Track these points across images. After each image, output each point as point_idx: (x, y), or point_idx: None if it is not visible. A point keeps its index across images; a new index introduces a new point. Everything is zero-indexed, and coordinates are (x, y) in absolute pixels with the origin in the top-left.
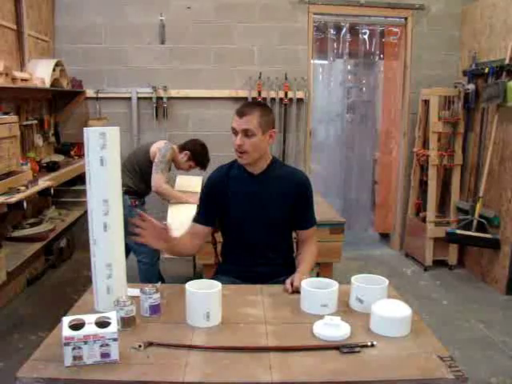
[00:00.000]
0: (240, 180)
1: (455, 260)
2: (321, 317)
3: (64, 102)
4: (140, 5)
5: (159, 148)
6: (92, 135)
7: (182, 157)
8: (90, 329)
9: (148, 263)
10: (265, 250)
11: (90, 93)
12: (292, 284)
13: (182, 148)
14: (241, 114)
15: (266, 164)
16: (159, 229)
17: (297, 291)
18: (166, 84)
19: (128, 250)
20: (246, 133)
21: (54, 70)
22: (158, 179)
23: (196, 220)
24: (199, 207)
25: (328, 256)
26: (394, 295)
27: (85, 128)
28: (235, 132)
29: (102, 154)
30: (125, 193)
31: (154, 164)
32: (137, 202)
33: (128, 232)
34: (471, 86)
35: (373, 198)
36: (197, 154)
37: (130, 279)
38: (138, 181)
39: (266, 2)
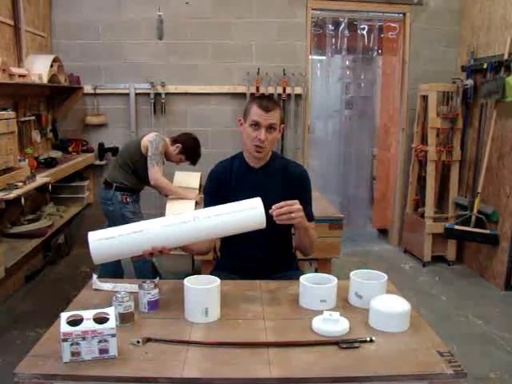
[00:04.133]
0: (241, 173)
1: (454, 256)
2: (320, 312)
3: (62, 98)
4: (137, 0)
5: (150, 141)
6: None
7: (174, 149)
8: (88, 324)
9: (142, 262)
10: (264, 245)
11: (87, 89)
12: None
13: (175, 140)
14: (267, 108)
15: (268, 158)
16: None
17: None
18: (164, 80)
19: None
20: (269, 127)
21: (51, 65)
22: (154, 172)
23: None
24: (204, 202)
25: (327, 252)
26: (392, 290)
27: None
28: (257, 126)
29: None
30: (116, 189)
31: (148, 158)
32: (128, 199)
33: None
34: (470, 82)
35: (371, 193)
36: (188, 147)
37: (132, 275)
38: (130, 176)
39: None
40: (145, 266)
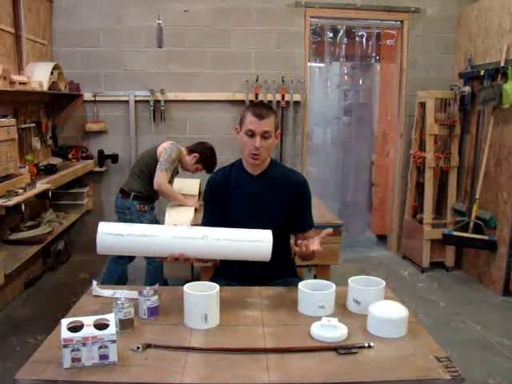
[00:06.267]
0: (240, 181)
1: (452, 262)
2: (318, 318)
3: (62, 105)
4: (137, 8)
5: (165, 148)
6: None
7: (191, 159)
8: (88, 331)
9: (158, 266)
10: None
11: (87, 96)
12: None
13: (191, 150)
14: (260, 116)
15: (266, 165)
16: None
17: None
18: (163, 87)
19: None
20: (264, 135)
21: (51, 73)
22: (161, 177)
23: (204, 223)
24: (205, 210)
25: (325, 258)
26: (390, 296)
27: None
28: (252, 134)
29: None
30: (133, 198)
31: (158, 162)
32: (145, 208)
33: None
34: (467, 89)
35: (370, 200)
36: (206, 157)
37: (131, 282)
38: (146, 184)
39: (263, 6)
40: (160, 271)
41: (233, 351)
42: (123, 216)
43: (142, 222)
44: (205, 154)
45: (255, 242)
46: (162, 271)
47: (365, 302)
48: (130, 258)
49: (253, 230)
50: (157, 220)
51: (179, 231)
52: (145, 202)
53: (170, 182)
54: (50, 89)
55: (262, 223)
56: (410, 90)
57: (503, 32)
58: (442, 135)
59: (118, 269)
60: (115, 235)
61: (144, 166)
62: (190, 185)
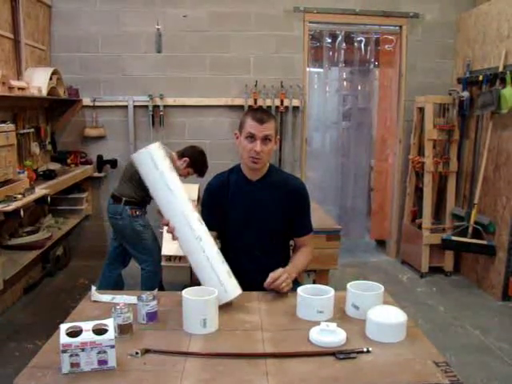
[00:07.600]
0: (239, 186)
1: (451, 266)
2: (317, 323)
3: (61, 110)
4: (136, 14)
5: None
6: None
7: (182, 163)
8: (87, 336)
9: (151, 271)
10: (262, 257)
11: (86, 101)
12: (275, 280)
13: (181, 154)
14: (261, 120)
15: (265, 170)
16: None
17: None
18: (162, 92)
19: (128, 258)
20: (265, 139)
21: (50, 78)
22: None
23: None
24: (202, 215)
25: (324, 263)
26: (389, 301)
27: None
28: (252, 138)
29: None
30: (125, 203)
31: None
32: (137, 212)
33: (129, 242)
34: (466, 94)
35: (369, 205)
36: (196, 161)
37: (131, 287)
38: (137, 189)
39: (262, 11)
40: (154, 278)
41: (231, 356)
42: (115, 221)
43: (134, 228)
44: (195, 158)
45: (222, 286)
46: (157, 276)
47: (363, 306)
48: (124, 263)
49: (232, 276)
50: (149, 225)
51: (191, 216)
52: (136, 207)
53: None
54: (48, 94)
55: (261, 228)
56: (409, 95)
57: (501, 37)
58: (440, 140)
59: (113, 273)
60: (154, 163)
61: (135, 171)
62: (189, 190)
